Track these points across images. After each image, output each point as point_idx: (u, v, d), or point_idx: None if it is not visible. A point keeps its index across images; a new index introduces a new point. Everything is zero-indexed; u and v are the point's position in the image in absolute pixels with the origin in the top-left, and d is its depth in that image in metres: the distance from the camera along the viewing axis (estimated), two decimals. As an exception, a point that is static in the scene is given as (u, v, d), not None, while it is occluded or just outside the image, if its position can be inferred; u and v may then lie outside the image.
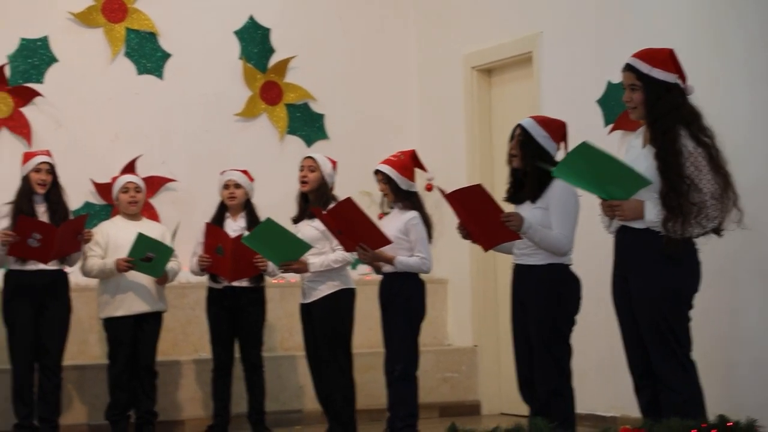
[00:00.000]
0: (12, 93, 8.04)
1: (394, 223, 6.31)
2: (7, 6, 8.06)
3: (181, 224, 7.43)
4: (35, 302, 6.76)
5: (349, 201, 6.13)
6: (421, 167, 6.54)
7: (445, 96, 8.75)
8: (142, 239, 6.77)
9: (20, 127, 8.05)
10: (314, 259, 6.55)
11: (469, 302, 8.47)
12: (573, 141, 5.10)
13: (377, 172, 6.42)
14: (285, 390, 7.90)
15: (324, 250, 6.54)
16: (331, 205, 6.41)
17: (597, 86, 7.24)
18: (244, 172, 7.23)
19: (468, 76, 8.46)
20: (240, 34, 8.69)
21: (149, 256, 6.82)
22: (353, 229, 6.13)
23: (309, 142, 8.85)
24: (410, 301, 6.35)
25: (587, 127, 7.14)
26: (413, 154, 6.48)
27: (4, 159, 7.86)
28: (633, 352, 5.02)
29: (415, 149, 6.54)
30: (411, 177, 6.44)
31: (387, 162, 6.42)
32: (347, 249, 6.39)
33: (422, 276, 6.45)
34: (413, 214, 6.36)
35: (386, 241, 6.15)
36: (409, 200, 6.42)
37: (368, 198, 7.75)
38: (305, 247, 6.46)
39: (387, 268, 6.35)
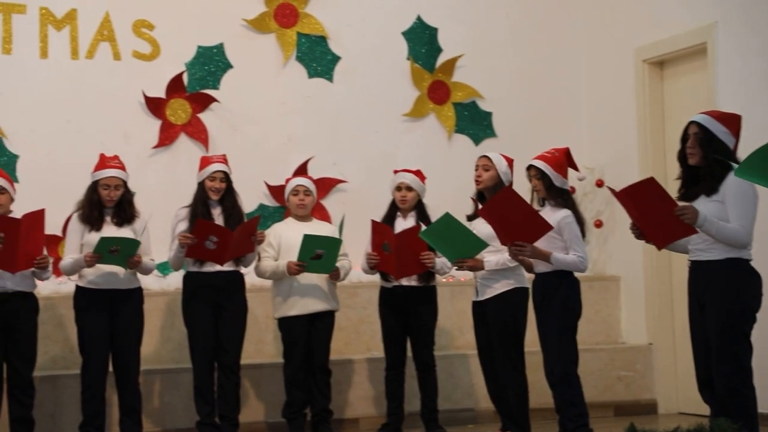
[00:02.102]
0: (190, 99, 8.30)
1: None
2: (184, 15, 8.32)
3: (353, 223, 7.52)
4: (213, 303, 6.92)
5: (509, 189, 6.06)
6: (574, 167, 6.43)
7: (615, 91, 8.59)
8: (308, 239, 6.84)
9: (198, 133, 8.31)
10: (490, 257, 6.52)
11: (643, 299, 8.29)
12: (751, 133, 4.95)
13: (530, 167, 6.35)
14: (457, 389, 7.90)
15: (499, 248, 6.50)
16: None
17: (776, 76, 7.00)
18: (417, 172, 7.22)
19: (639, 70, 8.28)
20: (407, 34, 8.75)
21: (318, 253, 6.89)
22: (511, 221, 6.02)
23: (477, 140, 8.84)
24: (567, 302, 6.22)
25: (766, 119, 6.91)
26: (567, 152, 6.35)
27: (182, 163, 8.13)
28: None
29: (568, 147, 6.43)
30: (565, 174, 6.30)
31: (541, 158, 6.31)
32: (505, 243, 6.30)
33: (592, 273, 6.34)
34: (566, 212, 6.22)
35: (548, 227, 6.02)
36: (561, 198, 6.29)
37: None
38: (482, 244, 6.42)
39: (541, 267, 6.25)
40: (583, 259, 6.17)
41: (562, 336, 6.19)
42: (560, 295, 6.19)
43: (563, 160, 6.30)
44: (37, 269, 6.53)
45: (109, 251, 6.47)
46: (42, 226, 6.49)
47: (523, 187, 6.72)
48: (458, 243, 6.42)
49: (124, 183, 6.79)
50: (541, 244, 6.09)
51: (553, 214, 6.18)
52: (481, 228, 6.50)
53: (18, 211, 6.65)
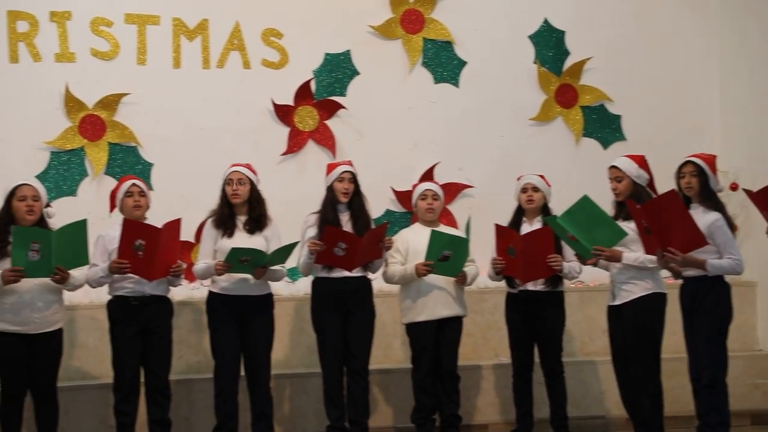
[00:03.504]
0: (317, 106, 8.39)
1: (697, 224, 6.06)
2: (311, 23, 8.43)
3: (478, 229, 7.46)
4: (342, 308, 6.95)
5: (672, 193, 5.94)
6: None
7: (750, 92, 8.38)
8: (435, 236, 6.83)
9: (325, 139, 8.39)
10: (629, 253, 6.42)
11: (780, 306, 8.09)
12: None
13: (688, 163, 6.23)
14: (587, 395, 7.81)
15: (637, 252, 6.40)
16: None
17: None
18: (541, 176, 7.19)
19: (776, 70, 8.10)
20: (534, 38, 8.71)
21: (446, 254, 6.87)
22: (666, 227, 5.88)
23: (605, 144, 8.73)
24: (718, 306, 6.12)
25: None
26: (715, 159, 6.29)
27: (310, 170, 8.23)
28: None
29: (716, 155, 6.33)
30: (716, 178, 6.26)
31: (700, 156, 6.26)
32: (649, 251, 6.19)
33: (727, 279, 6.20)
34: (717, 215, 6.11)
35: (704, 242, 5.91)
36: (711, 200, 6.20)
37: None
38: (621, 232, 6.28)
39: (690, 271, 6.13)
40: (739, 262, 6.06)
41: (714, 341, 6.10)
42: (711, 299, 6.10)
43: (714, 164, 6.25)
44: (172, 276, 6.67)
45: (239, 261, 6.56)
46: (178, 236, 6.63)
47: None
48: (596, 230, 6.29)
49: (250, 181, 6.85)
50: None
51: (703, 217, 6.08)
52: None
53: (152, 217, 6.79)
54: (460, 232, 7.28)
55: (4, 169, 7.42)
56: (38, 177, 7.76)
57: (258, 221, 6.84)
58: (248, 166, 6.91)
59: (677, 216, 5.82)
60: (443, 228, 7.30)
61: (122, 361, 6.65)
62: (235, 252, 6.53)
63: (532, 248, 6.68)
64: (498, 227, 6.94)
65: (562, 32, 8.73)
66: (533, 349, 7.13)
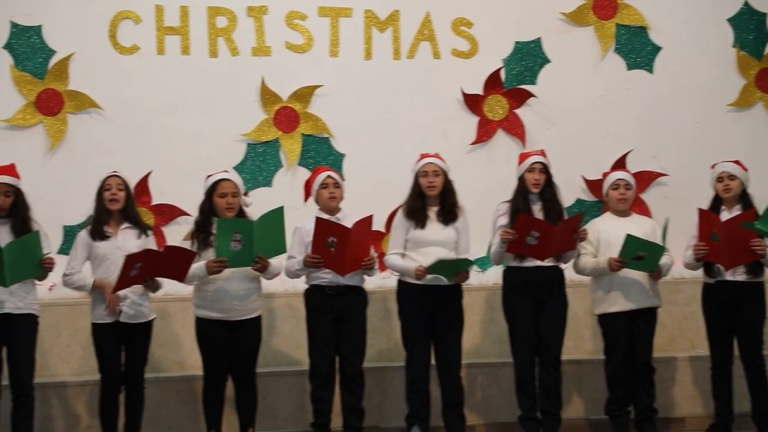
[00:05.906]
0: (507, 95, 8.36)
1: None
2: (502, 11, 8.41)
3: (674, 218, 7.31)
4: (533, 298, 6.90)
5: None
6: None
7: None
8: (631, 240, 6.70)
9: (515, 128, 8.35)
10: None
11: None
12: None
13: None
14: (789, 390, 7.53)
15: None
16: None
17: None
18: (737, 162, 6.97)
19: None
20: (734, 21, 8.49)
21: (640, 255, 6.75)
22: None
23: (812, 130, 8.45)
24: None
25: None
26: None
27: (500, 159, 8.23)
28: None
29: None
30: None
31: None
32: None
33: None
34: None
35: None
36: None
37: None
38: None
39: None
40: None
41: None
42: None
43: None
44: (365, 269, 6.77)
45: (440, 268, 6.59)
46: (370, 232, 6.72)
47: None
48: None
49: (444, 172, 6.88)
50: None
51: None
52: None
53: (344, 207, 6.91)
54: (654, 224, 7.12)
55: (204, 161, 7.65)
56: (235, 168, 7.98)
57: (450, 212, 6.86)
58: (438, 156, 6.94)
59: None
60: (635, 218, 7.18)
61: (318, 348, 6.79)
62: (439, 263, 6.56)
63: (735, 234, 6.51)
64: (701, 212, 6.79)
65: (764, 14, 8.48)
66: (732, 341, 6.95)
